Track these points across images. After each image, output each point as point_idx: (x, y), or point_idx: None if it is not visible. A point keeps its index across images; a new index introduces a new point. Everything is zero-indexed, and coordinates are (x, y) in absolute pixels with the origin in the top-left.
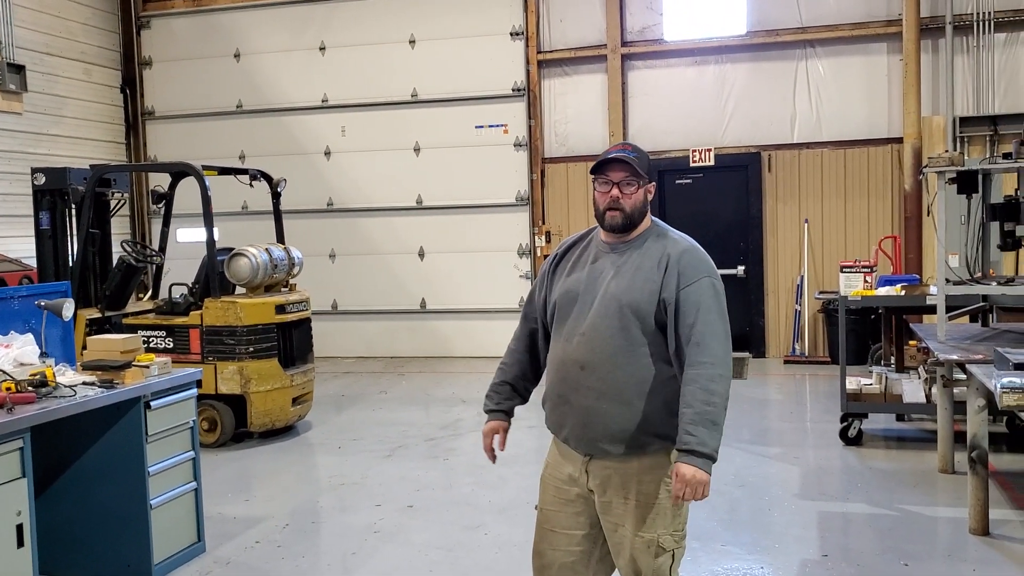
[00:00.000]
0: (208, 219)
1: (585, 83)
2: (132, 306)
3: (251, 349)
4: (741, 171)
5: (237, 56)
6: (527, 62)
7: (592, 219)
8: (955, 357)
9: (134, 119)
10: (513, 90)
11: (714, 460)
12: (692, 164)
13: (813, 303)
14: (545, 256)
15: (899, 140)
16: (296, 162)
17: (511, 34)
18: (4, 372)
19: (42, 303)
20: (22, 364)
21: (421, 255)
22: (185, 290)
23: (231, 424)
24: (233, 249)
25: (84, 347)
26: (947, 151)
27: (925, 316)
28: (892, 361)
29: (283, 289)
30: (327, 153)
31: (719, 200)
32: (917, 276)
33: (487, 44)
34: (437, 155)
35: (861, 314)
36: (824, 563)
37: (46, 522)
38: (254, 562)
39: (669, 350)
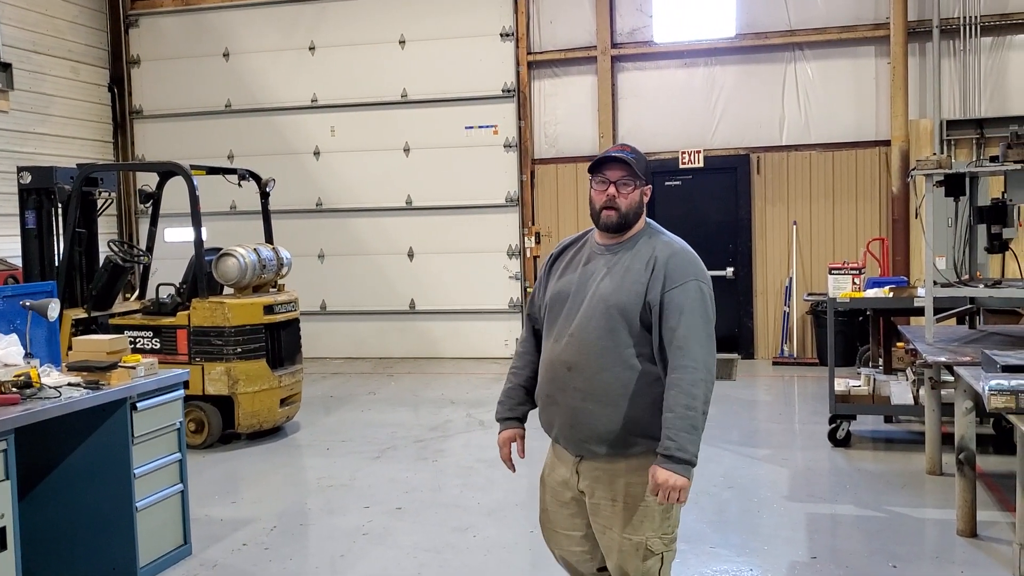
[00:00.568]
0: (196, 219)
1: (575, 84)
2: (119, 306)
3: (239, 350)
4: (730, 173)
5: (226, 55)
6: (517, 63)
7: (582, 220)
8: (943, 359)
9: (122, 118)
10: (503, 91)
11: (693, 465)
12: (681, 166)
13: (801, 305)
14: (535, 257)
15: (887, 143)
16: (285, 162)
17: (501, 35)
18: None
19: (27, 303)
20: (6, 365)
21: (410, 256)
22: (172, 290)
23: (218, 425)
24: (221, 249)
25: (70, 348)
26: (934, 154)
27: (913, 318)
28: (880, 363)
29: (271, 289)
30: (316, 153)
31: (708, 202)
32: (905, 278)
33: (477, 45)
34: (427, 155)
35: (849, 316)
36: (813, 565)
37: (30, 525)
38: (241, 565)
39: (654, 351)
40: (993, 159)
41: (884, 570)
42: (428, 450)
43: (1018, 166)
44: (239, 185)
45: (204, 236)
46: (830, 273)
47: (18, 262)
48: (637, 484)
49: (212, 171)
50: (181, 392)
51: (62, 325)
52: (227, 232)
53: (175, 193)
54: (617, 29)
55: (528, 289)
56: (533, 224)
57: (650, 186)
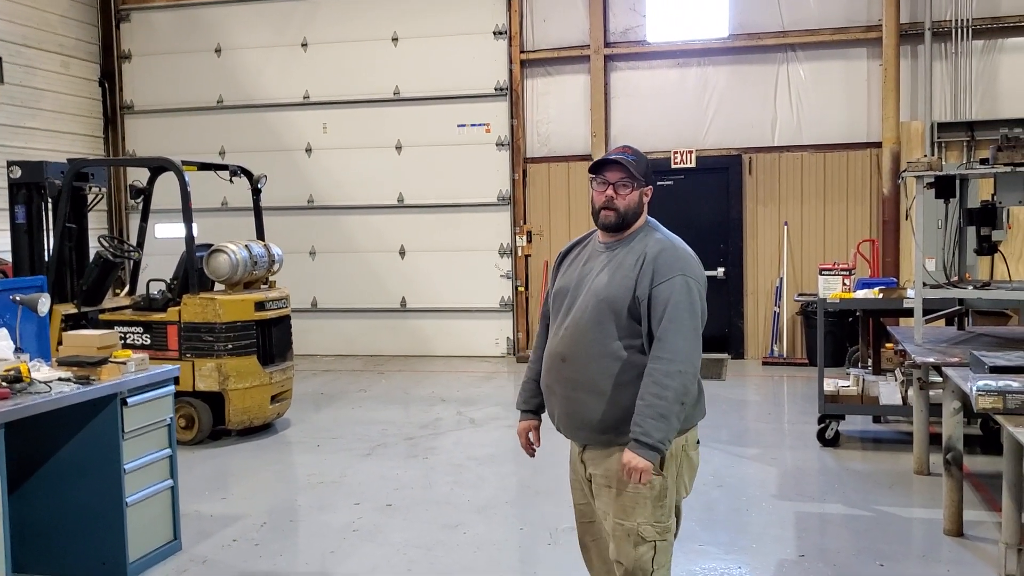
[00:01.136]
0: (187, 215)
1: (568, 83)
2: (109, 302)
3: (229, 346)
4: (722, 173)
5: (218, 51)
6: (510, 61)
7: (573, 219)
8: (931, 360)
9: (112, 113)
10: (496, 89)
11: (659, 451)
12: (673, 166)
13: (792, 305)
14: (527, 256)
15: (878, 144)
16: (277, 159)
17: (494, 33)
18: None
19: (17, 298)
20: None
21: (402, 253)
22: (163, 286)
23: (209, 421)
24: (212, 245)
25: (60, 343)
26: (925, 156)
27: (902, 319)
28: (869, 363)
29: (263, 286)
30: (308, 150)
31: (700, 202)
32: (895, 279)
33: (470, 43)
34: (419, 153)
35: (839, 316)
36: (801, 563)
37: (19, 519)
38: (231, 560)
39: (644, 344)
40: (983, 162)
41: (871, 569)
42: (419, 447)
43: (1007, 169)
44: (230, 181)
45: (195, 232)
46: (820, 274)
47: (8, 257)
48: None
49: (203, 167)
50: (172, 388)
51: (52, 320)
52: (218, 228)
53: (166, 189)
54: (610, 28)
55: (519, 288)
56: (525, 223)
57: (651, 187)
